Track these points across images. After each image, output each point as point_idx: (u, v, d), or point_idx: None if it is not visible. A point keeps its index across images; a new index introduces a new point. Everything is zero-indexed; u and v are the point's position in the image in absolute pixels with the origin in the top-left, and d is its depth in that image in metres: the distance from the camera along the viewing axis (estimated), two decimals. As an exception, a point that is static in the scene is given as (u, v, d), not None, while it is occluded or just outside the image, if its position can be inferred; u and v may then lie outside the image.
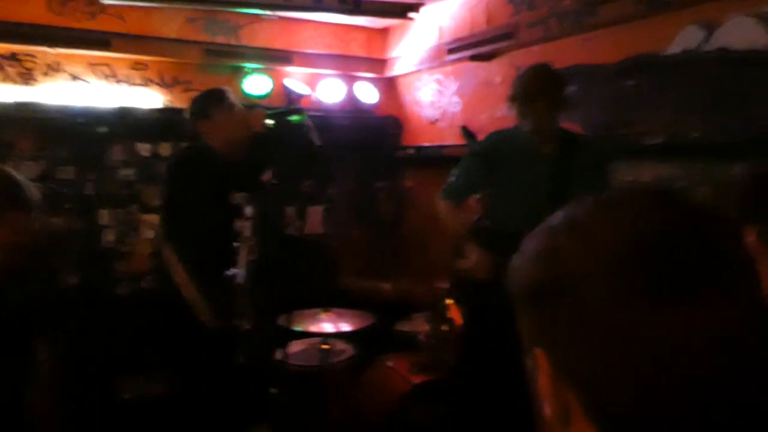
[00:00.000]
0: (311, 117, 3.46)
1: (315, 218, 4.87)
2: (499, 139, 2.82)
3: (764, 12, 2.65)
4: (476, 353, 2.88)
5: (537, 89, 2.59)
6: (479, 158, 2.90)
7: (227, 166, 2.96)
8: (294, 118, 3.29)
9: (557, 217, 0.63)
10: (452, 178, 2.99)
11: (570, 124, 3.58)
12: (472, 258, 2.74)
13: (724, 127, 2.77)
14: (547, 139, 2.70)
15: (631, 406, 0.52)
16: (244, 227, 3.09)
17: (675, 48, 3.03)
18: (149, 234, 4.34)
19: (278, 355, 3.47)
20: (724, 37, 2.81)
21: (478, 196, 3.21)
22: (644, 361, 0.52)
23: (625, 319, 0.52)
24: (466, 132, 2.70)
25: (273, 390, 3.18)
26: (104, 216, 4.26)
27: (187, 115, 3.09)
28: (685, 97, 2.98)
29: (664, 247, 0.54)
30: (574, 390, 0.56)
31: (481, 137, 3.20)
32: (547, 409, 0.59)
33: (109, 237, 4.28)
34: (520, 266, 0.63)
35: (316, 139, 3.30)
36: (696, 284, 0.52)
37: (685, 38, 2.98)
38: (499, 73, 4.23)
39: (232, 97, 3.12)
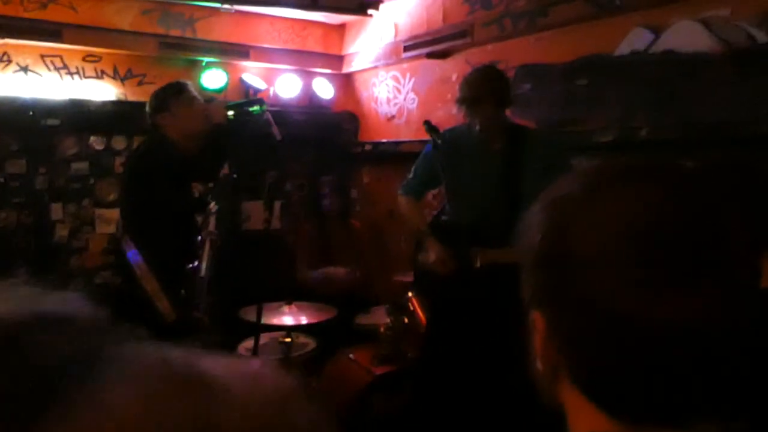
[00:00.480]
0: (269, 111, 3.46)
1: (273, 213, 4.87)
2: (453, 136, 2.91)
3: (708, 17, 2.81)
4: (438, 345, 2.96)
5: (482, 91, 2.70)
6: (434, 155, 2.98)
7: (187, 159, 2.95)
8: (254, 109, 3.30)
9: (567, 185, 0.65)
10: (411, 175, 3.08)
11: (523, 121, 3.71)
12: (432, 254, 2.82)
13: (670, 124, 2.92)
14: (497, 135, 2.80)
15: (615, 376, 0.58)
16: (209, 221, 3.08)
17: (624, 49, 3.17)
18: (104, 229, 4.26)
19: (241, 349, 3.47)
20: (670, 40, 2.96)
21: (435, 191, 3.30)
22: (635, 338, 0.55)
23: (622, 299, 0.55)
24: (430, 126, 2.76)
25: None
26: (57, 211, 4.16)
27: (147, 109, 3.06)
28: (633, 96, 3.13)
29: (667, 230, 0.56)
30: (563, 354, 0.61)
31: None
32: (539, 366, 0.65)
33: (62, 232, 4.18)
34: (528, 231, 0.65)
35: (276, 133, 3.31)
36: (695, 270, 0.55)
37: (633, 40, 3.13)
38: (454, 70, 4.32)
39: (193, 90, 3.10)
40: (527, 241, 0.65)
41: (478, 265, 2.71)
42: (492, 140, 2.82)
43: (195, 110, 3.05)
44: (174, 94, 3.03)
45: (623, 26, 3.16)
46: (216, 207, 3.10)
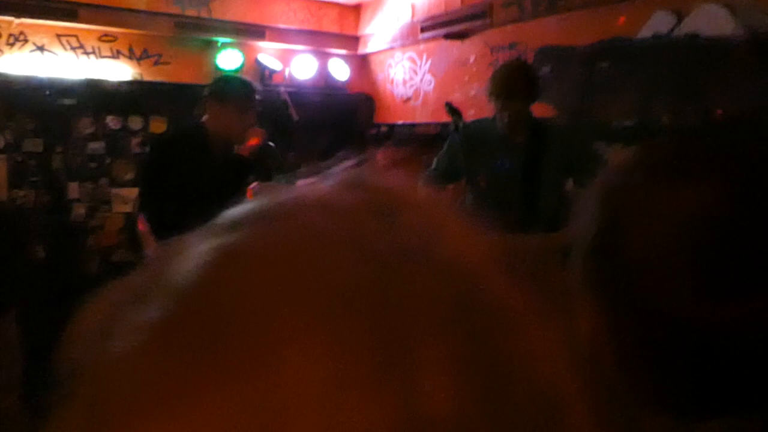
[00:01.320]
0: (286, 92, 3.45)
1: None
2: (476, 129, 2.89)
3: (733, 1, 2.74)
4: None
5: (517, 87, 2.68)
6: (456, 148, 2.99)
7: (219, 156, 2.88)
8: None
9: (623, 173, 0.62)
10: (433, 167, 3.07)
11: (542, 105, 3.66)
12: None
13: (692, 110, 2.87)
14: (521, 129, 2.78)
15: (658, 375, 0.57)
16: None
17: (646, 32, 3.11)
18: (120, 208, 4.28)
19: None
20: (693, 24, 2.90)
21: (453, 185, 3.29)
22: (682, 340, 0.53)
23: (671, 296, 0.53)
24: (451, 108, 2.73)
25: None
26: (74, 190, 4.19)
27: (205, 91, 2.95)
28: (654, 81, 3.07)
29: (726, 235, 0.53)
30: (610, 339, 0.59)
31: (456, 117, 3.26)
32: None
33: (78, 211, 4.21)
34: (582, 217, 0.62)
35: (294, 114, 3.29)
36: (755, 275, 0.52)
37: (655, 23, 3.07)
38: (472, 51, 4.27)
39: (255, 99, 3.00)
40: (580, 227, 0.62)
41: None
42: (515, 134, 2.81)
43: (239, 119, 2.93)
44: (233, 90, 2.92)
45: (646, 9, 3.10)
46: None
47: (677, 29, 2.97)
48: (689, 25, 2.92)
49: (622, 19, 3.22)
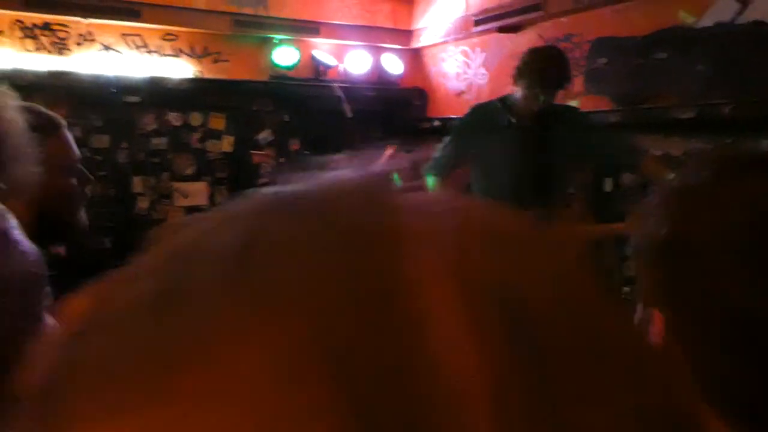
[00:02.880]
0: (340, 88, 3.50)
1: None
2: (481, 112, 2.85)
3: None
4: None
5: (556, 78, 2.63)
6: (459, 132, 2.94)
7: None
8: None
9: (690, 174, 0.61)
10: (436, 154, 3.02)
11: (598, 96, 3.61)
12: None
13: (756, 101, 2.78)
14: (532, 113, 2.73)
15: (739, 384, 0.54)
16: None
17: (707, 20, 3.03)
18: (181, 202, 4.43)
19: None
20: (759, 10, 2.80)
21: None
22: (761, 346, 0.51)
23: (745, 298, 0.51)
24: (504, 104, 2.72)
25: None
26: (137, 184, 4.36)
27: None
28: (716, 71, 2.99)
29: None
30: (684, 351, 0.57)
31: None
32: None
33: (142, 204, 4.38)
34: (647, 222, 0.60)
35: (348, 110, 3.33)
36: None
37: (718, 10, 2.98)
38: (527, 44, 4.21)
39: None
40: (646, 232, 0.60)
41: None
42: (523, 117, 2.75)
43: None
44: None
45: (708, -4, 3.02)
46: None
47: (741, 16, 2.88)
48: (755, 12, 2.83)
49: (681, 6, 3.14)
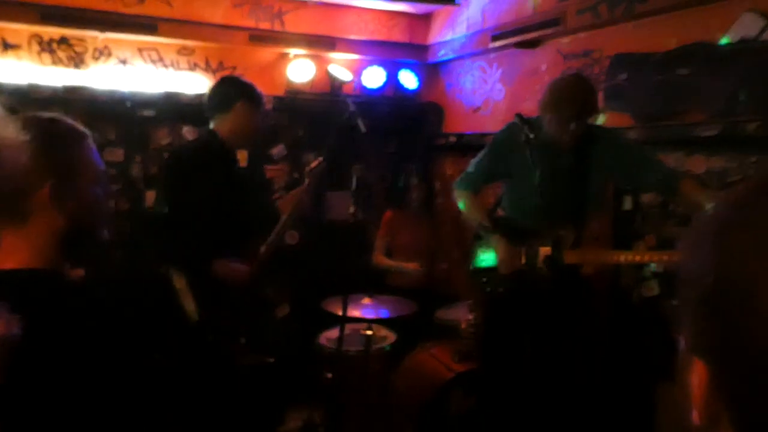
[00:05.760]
0: (355, 103, 3.46)
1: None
2: (516, 130, 2.81)
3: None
4: (500, 345, 2.91)
5: (574, 111, 2.61)
6: (494, 149, 2.93)
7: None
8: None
9: (732, 203, 0.53)
10: (469, 169, 3.02)
11: (618, 113, 3.53)
12: (499, 253, 2.78)
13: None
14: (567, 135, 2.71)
15: None
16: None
17: (731, 36, 2.95)
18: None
19: (322, 338, 3.51)
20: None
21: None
22: None
23: None
24: (523, 120, 2.66)
25: (328, 374, 3.22)
26: (150, 197, 4.34)
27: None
28: (740, 88, 2.90)
29: None
30: (728, 408, 0.51)
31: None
32: (695, 417, 0.54)
33: (155, 219, 4.36)
34: (690, 262, 0.54)
35: (362, 126, 3.30)
36: None
37: (742, 26, 2.90)
38: (544, 60, 4.17)
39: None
40: (689, 274, 0.54)
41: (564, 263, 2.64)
42: (568, 142, 2.74)
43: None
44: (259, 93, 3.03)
45: (730, 12, 2.94)
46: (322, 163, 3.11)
47: (766, 33, 2.80)
48: (780, 28, 2.75)
49: (704, 23, 3.07)
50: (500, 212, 3.09)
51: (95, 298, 1.44)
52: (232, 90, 2.95)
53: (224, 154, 2.94)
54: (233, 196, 2.93)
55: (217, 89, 3.00)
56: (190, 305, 2.77)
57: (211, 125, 2.97)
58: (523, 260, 2.75)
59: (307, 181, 3.15)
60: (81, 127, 1.44)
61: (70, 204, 1.35)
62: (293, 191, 3.21)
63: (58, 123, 1.40)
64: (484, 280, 2.94)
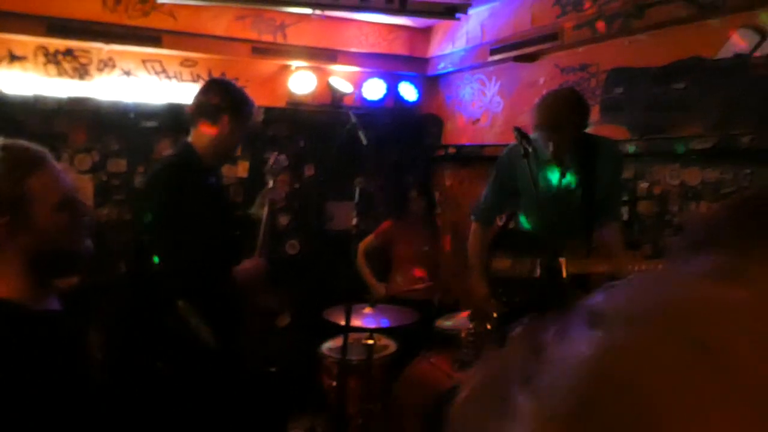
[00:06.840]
0: (355, 115, 3.52)
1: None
2: (517, 150, 2.86)
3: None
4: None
5: (563, 120, 2.63)
6: (500, 168, 2.99)
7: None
8: None
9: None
10: (482, 199, 3.08)
11: (615, 126, 3.60)
12: (477, 292, 2.98)
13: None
14: (568, 153, 2.74)
15: None
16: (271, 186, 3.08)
17: (726, 52, 3.02)
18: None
19: (324, 348, 3.54)
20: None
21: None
22: None
23: None
24: (520, 133, 2.69)
25: (332, 383, 3.25)
26: (153, 208, 4.37)
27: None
28: (735, 102, 2.97)
29: None
30: None
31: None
32: None
33: (157, 228, 4.39)
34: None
35: (363, 137, 3.35)
36: None
37: (737, 42, 2.97)
38: (542, 73, 4.24)
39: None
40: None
41: (565, 275, 2.67)
42: (562, 158, 2.78)
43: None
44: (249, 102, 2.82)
45: (725, 28, 3.01)
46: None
47: (761, 48, 2.87)
48: (773, 44, 2.82)
49: (699, 38, 3.14)
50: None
51: (63, 327, 1.41)
52: (221, 101, 2.71)
53: (202, 171, 2.74)
54: (217, 214, 2.78)
55: (204, 96, 2.76)
56: (205, 333, 2.58)
57: (190, 137, 2.79)
58: (538, 272, 2.80)
59: (271, 180, 3.09)
60: (37, 150, 1.38)
61: (29, 235, 1.31)
62: (261, 192, 3.15)
63: (10, 151, 1.33)
64: (500, 290, 2.98)
